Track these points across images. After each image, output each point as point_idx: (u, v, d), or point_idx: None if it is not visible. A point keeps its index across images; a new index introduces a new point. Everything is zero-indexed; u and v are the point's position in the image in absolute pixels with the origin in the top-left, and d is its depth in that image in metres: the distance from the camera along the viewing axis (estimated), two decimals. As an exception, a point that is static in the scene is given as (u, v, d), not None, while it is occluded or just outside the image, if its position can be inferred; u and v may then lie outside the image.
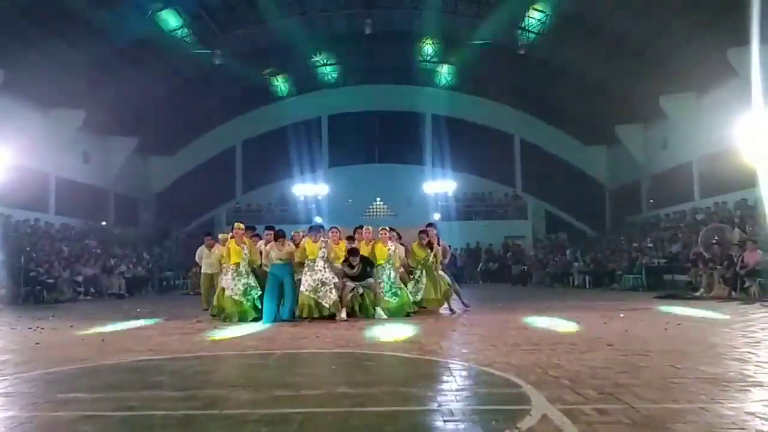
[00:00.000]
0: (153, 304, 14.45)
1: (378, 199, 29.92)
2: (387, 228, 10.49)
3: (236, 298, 9.42)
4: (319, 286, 9.13)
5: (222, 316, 9.56)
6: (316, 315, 9.05)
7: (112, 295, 17.78)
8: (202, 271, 11.77)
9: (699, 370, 4.60)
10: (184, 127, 28.86)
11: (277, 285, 9.36)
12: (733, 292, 12.74)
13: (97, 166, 25.40)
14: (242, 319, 9.31)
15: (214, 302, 10.11)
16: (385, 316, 9.47)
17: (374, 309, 9.67)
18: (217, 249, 10.99)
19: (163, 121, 27.12)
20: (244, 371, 5.44)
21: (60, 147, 22.08)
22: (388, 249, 10.09)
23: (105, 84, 21.97)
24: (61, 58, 19.01)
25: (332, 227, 10.37)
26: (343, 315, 9.24)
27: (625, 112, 24.71)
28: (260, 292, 9.56)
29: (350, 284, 9.56)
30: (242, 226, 9.88)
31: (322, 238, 9.50)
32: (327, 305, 9.10)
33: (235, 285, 9.44)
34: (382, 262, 9.99)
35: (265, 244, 9.79)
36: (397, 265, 10.32)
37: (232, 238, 9.72)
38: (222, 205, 30.47)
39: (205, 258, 11.76)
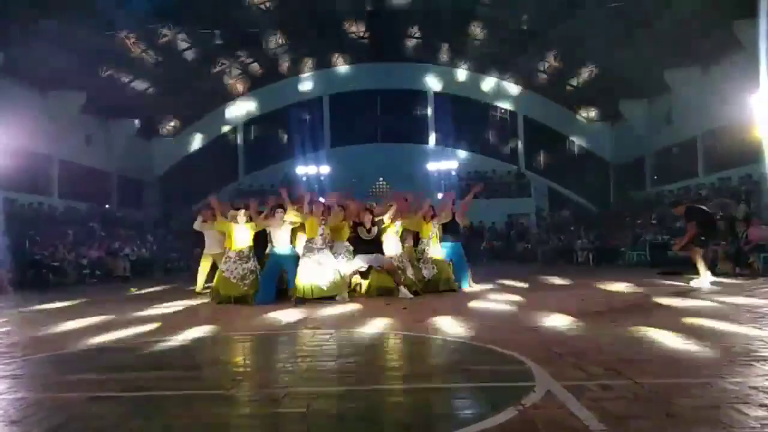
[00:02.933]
0: (158, 285, 14.52)
1: (381, 178, 29.86)
2: (392, 204, 9.98)
3: (233, 280, 9.11)
4: (316, 266, 8.90)
5: (214, 298, 9.25)
6: (313, 297, 8.77)
7: (118, 278, 17.88)
8: (205, 252, 11.09)
9: (703, 345, 4.61)
10: (186, 109, 28.75)
11: (277, 271, 9.14)
12: (737, 268, 12.73)
13: (100, 149, 25.39)
14: (240, 301, 9.03)
15: (213, 284, 9.67)
16: (411, 296, 9.09)
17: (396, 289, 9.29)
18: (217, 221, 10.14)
19: (164, 103, 27.02)
20: (249, 351, 5.48)
21: (62, 129, 22.03)
22: (395, 225, 9.83)
23: (105, 65, 21.85)
24: (61, 40, 18.87)
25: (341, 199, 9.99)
26: (345, 295, 9.01)
27: (629, 87, 24.50)
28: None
29: (357, 263, 9.29)
30: (242, 213, 9.39)
31: (321, 218, 9.19)
32: (325, 287, 8.84)
33: (235, 268, 9.15)
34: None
35: (265, 217, 9.43)
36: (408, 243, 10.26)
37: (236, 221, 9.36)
38: (225, 186, 30.48)
39: (208, 234, 10.90)
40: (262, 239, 9.65)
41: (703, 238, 9.72)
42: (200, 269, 11.26)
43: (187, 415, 3.22)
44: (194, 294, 10.86)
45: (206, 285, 10.81)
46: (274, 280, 9.20)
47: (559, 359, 4.26)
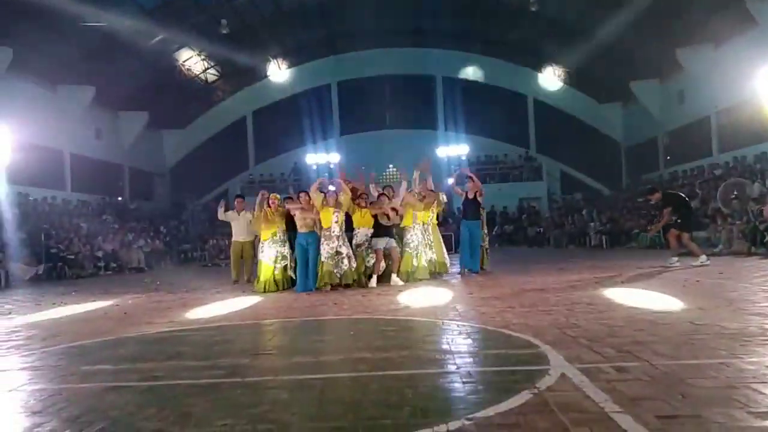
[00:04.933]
0: (173, 277, 14.64)
1: (391, 165, 29.80)
2: (415, 191, 10.20)
3: (269, 264, 9.49)
4: (334, 254, 9.10)
5: (255, 287, 9.56)
6: (335, 282, 9.04)
7: (132, 270, 18.05)
8: (233, 239, 11.30)
9: (718, 326, 4.57)
10: (195, 100, 28.80)
11: (305, 254, 9.30)
12: (753, 247, 12.61)
13: (110, 142, 25.52)
14: (269, 288, 9.33)
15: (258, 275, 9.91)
16: (401, 283, 9.36)
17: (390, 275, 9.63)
18: (247, 213, 10.86)
19: (173, 95, 27.07)
20: (264, 339, 5.52)
21: (72, 124, 22.17)
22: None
23: (114, 59, 21.89)
24: (69, 35, 18.91)
25: (361, 193, 10.01)
26: (373, 282, 9.28)
27: (640, 66, 24.15)
28: (292, 264, 9.60)
29: (381, 244, 9.51)
30: (277, 196, 9.85)
31: (335, 210, 9.25)
32: (339, 275, 9.06)
33: (270, 252, 9.53)
34: (410, 223, 9.93)
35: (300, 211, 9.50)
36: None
37: (268, 207, 9.67)
38: (235, 176, 30.59)
39: (234, 222, 11.21)
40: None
41: (679, 221, 10.36)
42: (233, 259, 11.40)
43: (203, 403, 3.25)
44: (230, 285, 10.90)
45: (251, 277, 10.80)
46: (307, 267, 9.28)
47: (573, 342, 4.25)
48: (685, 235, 10.36)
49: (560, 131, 29.86)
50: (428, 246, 10.15)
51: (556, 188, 29.83)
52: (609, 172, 29.05)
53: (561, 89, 29.41)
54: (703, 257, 10.13)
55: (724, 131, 21.29)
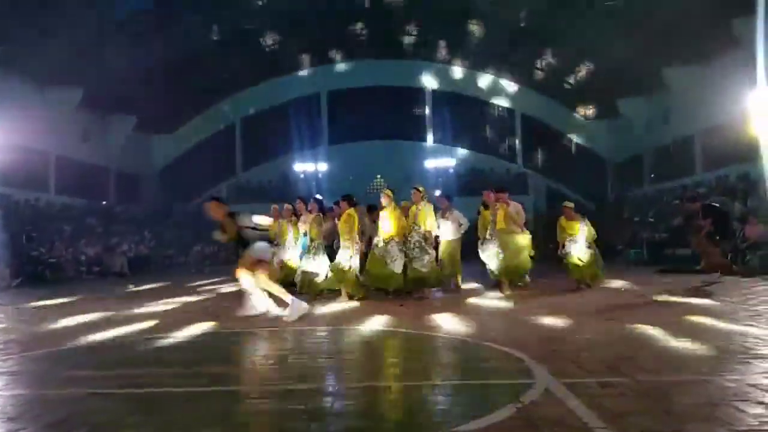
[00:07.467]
0: (157, 282, 14.48)
1: (378, 175, 29.82)
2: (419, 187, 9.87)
3: (292, 264, 9.72)
4: (312, 263, 9.07)
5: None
6: (317, 291, 8.97)
7: (115, 274, 17.83)
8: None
9: (701, 343, 4.62)
10: (184, 105, 28.67)
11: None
12: (734, 266, 12.74)
13: (97, 145, 25.26)
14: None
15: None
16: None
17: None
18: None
19: (162, 99, 26.93)
20: (247, 348, 5.47)
21: (59, 125, 21.91)
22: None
23: (103, 61, 21.75)
24: (58, 36, 18.77)
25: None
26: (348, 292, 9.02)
27: (627, 84, 24.47)
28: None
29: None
30: (291, 206, 10.14)
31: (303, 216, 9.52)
32: (320, 282, 8.99)
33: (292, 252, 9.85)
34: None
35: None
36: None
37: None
38: (223, 182, 30.43)
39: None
40: None
41: (717, 237, 9.86)
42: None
43: (186, 411, 3.21)
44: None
45: None
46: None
47: (558, 356, 4.26)
48: (714, 250, 9.86)
49: (547, 146, 30.09)
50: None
51: (542, 202, 30.04)
52: (594, 188, 29.31)
53: (549, 105, 29.71)
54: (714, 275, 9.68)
55: (707, 150, 21.60)
